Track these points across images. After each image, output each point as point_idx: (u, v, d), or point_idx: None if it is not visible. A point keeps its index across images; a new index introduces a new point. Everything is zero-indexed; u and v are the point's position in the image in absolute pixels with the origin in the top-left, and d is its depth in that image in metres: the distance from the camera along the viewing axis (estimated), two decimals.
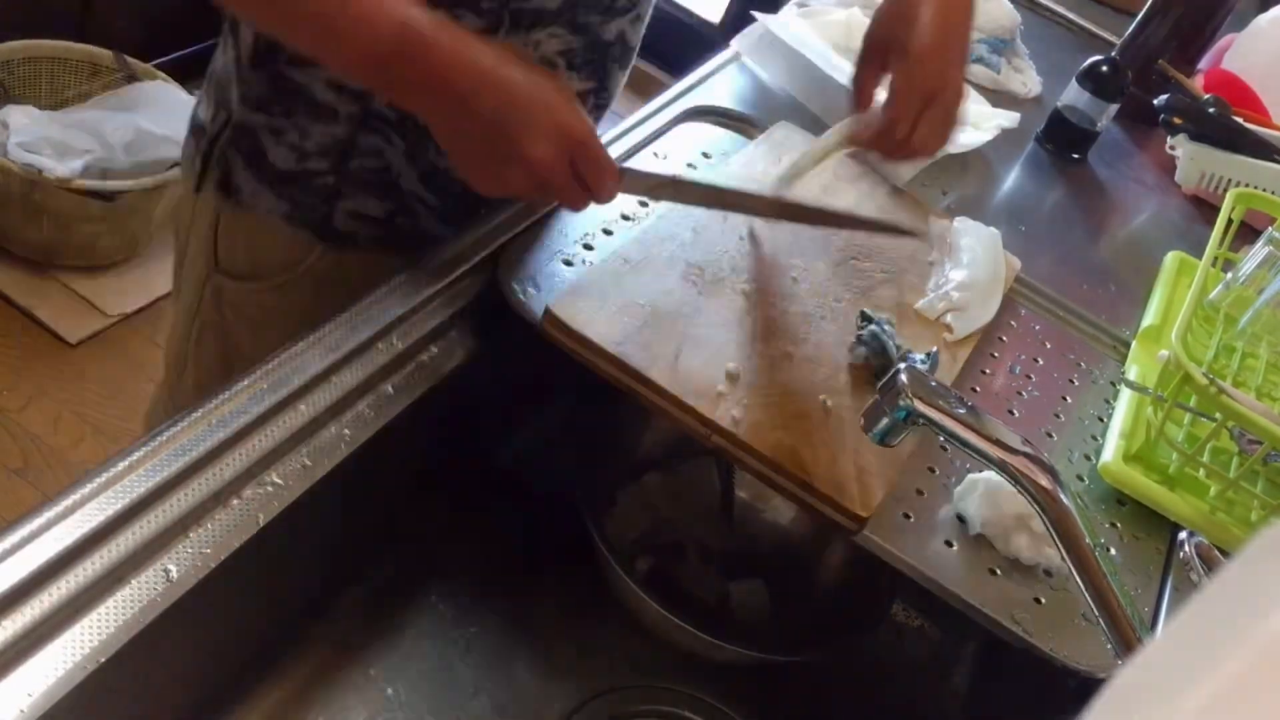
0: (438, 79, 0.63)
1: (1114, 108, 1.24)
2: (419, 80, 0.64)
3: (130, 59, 2.01)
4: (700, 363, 0.74)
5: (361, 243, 0.82)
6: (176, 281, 0.92)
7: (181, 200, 0.88)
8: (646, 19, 0.86)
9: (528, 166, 0.66)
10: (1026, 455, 0.57)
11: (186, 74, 2.14)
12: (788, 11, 1.25)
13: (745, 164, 0.95)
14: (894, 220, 0.88)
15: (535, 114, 0.65)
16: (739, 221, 0.87)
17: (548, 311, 0.73)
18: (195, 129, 0.85)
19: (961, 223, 0.98)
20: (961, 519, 0.74)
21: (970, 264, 0.92)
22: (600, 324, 0.73)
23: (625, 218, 0.87)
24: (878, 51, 0.80)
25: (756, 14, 1.18)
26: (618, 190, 0.72)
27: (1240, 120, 1.25)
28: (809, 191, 0.95)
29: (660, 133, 0.98)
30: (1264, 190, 1.20)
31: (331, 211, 0.81)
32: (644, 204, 0.88)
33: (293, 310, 0.84)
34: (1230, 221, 1.00)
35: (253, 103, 0.79)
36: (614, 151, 0.93)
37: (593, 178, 0.68)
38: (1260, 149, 1.24)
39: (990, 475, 0.73)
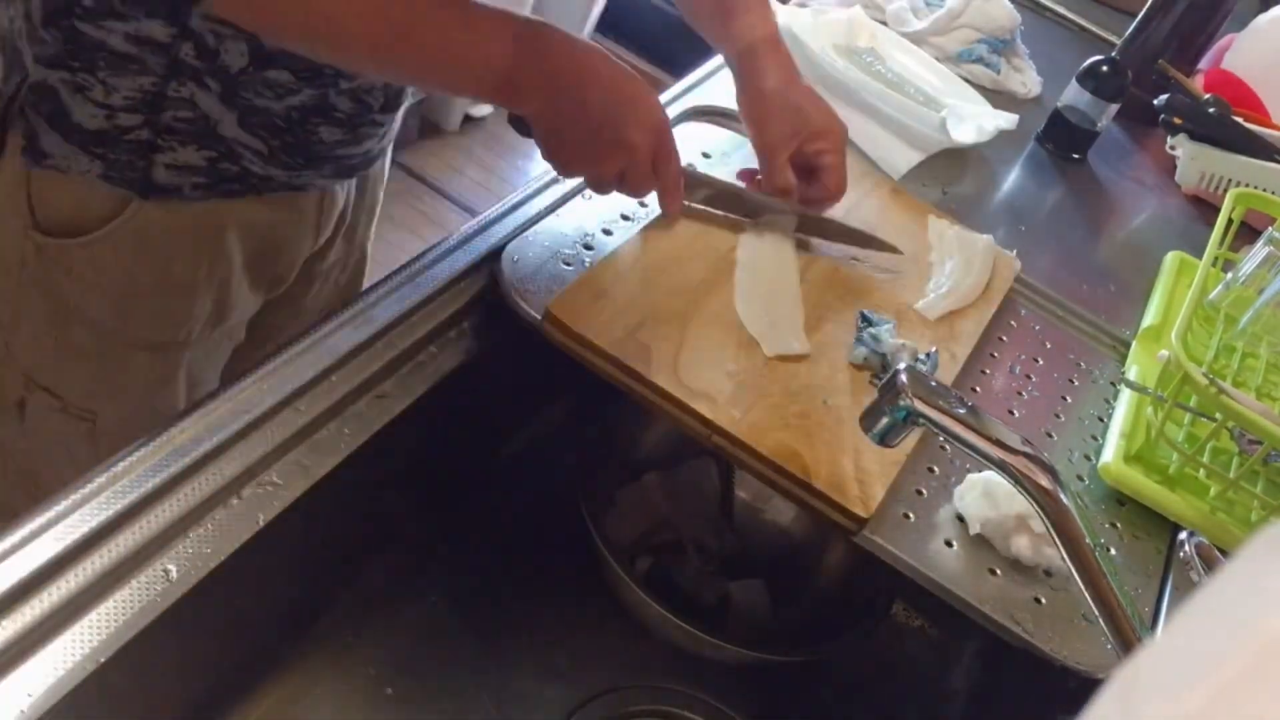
0: (557, 79, 0.71)
1: (1114, 108, 1.24)
2: (539, 83, 0.71)
3: None
4: (700, 363, 0.74)
5: (188, 193, 0.79)
6: None
7: None
8: None
9: (627, 150, 0.74)
10: (1026, 455, 0.57)
11: None
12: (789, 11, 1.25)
13: (745, 163, 0.95)
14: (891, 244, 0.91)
15: (636, 105, 0.74)
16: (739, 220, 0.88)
17: (548, 311, 0.73)
18: None
19: (957, 232, 0.98)
20: (962, 519, 0.74)
21: (952, 272, 0.93)
22: (600, 324, 0.73)
23: (625, 218, 0.87)
24: (782, 144, 0.87)
25: None
26: (678, 181, 0.80)
27: (1240, 120, 1.25)
28: None
29: None
30: (1264, 190, 1.20)
31: (150, 166, 0.77)
32: (643, 204, 0.88)
33: (119, 263, 0.81)
34: (1230, 221, 1.00)
35: (48, 60, 0.74)
36: None
37: (663, 164, 0.77)
38: (1260, 149, 1.24)
39: (990, 475, 0.73)
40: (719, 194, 0.87)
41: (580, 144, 0.74)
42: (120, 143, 0.75)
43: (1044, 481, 0.56)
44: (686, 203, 0.85)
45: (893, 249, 0.91)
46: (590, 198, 0.87)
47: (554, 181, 0.89)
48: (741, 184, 0.90)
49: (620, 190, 0.78)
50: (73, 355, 0.84)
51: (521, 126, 0.77)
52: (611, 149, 0.74)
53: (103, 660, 0.53)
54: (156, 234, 0.80)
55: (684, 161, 0.95)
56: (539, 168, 0.83)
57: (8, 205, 0.81)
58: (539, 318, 0.74)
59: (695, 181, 0.87)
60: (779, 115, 0.87)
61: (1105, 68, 1.23)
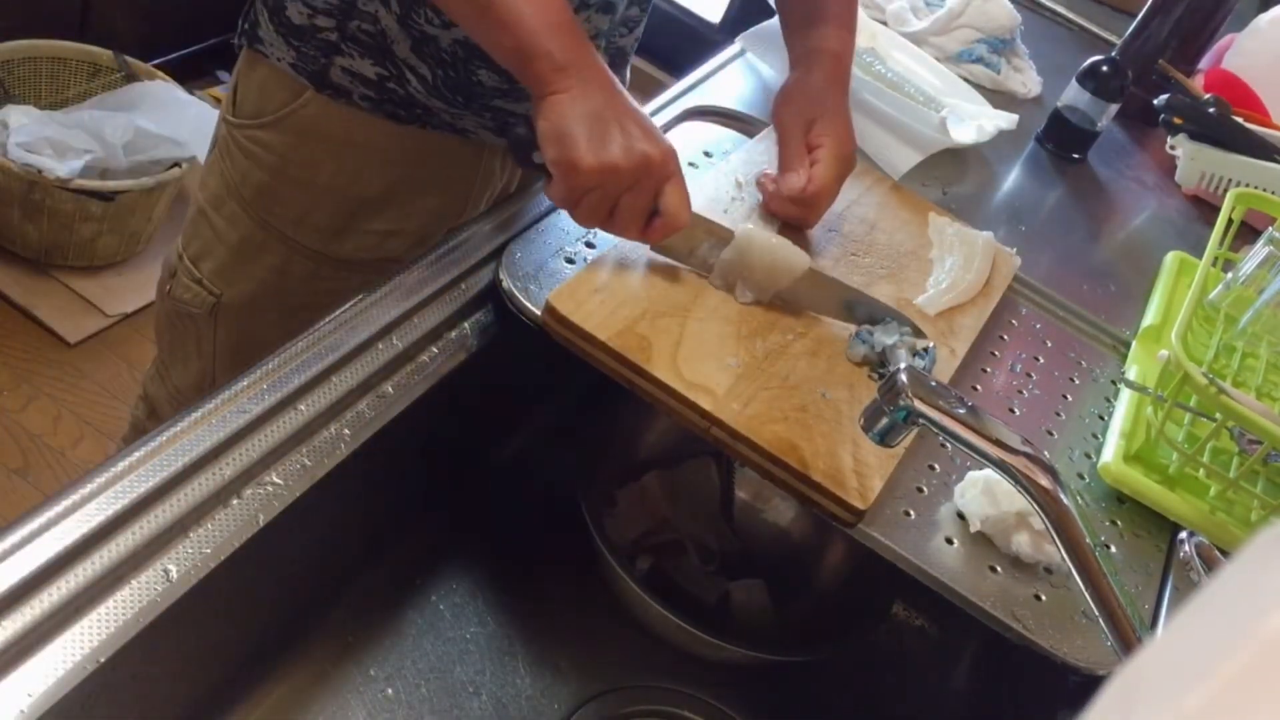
0: (597, 70, 0.74)
1: (1114, 108, 1.24)
2: (580, 62, 0.73)
3: (130, 59, 2.01)
4: (700, 356, 0.74)
5: (356, 100, 0.89)
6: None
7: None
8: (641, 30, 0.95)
9: (640, 161, 0.73)
10: (1026, 455, 0.57)
11: (186, 74, 2.14)
12: None
13: (746, 160, 0.95)
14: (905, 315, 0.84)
15: (660, 135, 0.75)
16: (740, 216, 0.88)
17: (548, 304, 0.73)
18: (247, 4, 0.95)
19: (957, 229, 0.98)
20: (962, 516, 0.74)
21: (952, 268, 0.93)
22: (600, 317, 0.73)
23: None
24: (799, 136, 0.89)
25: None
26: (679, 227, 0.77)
27: (1240, 120, 1.25)
28: None
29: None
30: (1264, 190, 1.20)
31: (330, 65, 0.88)
32: None
33: (279, 149, 0.92)
34: (1230, 221, 1.00)
35: None
36: None
37: (674, 204, 0.75)
38: (1260, 149, 1.23)
39: (991, 473, 0.73)
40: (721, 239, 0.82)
41: (596, 128, 0.72)
42: (313, 39, 0.88)
43: (1044, 481, 0.56)
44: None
45: (904, 319, 0.83)
46: None
47: None
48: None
49: (607, 218, 0.75)
50: (220, 231, 0.97)
51: (521, 151, 0.76)
52: (626, 149, 0.72)
53: (103, 660, 0.53)
54: (316, 133, 0.91)
55: (687, 161, 0.96)
56: None
57: (227, 98, 0.97)
58: (539, 312, 0.74)
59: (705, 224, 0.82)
60: (799, 100, 0.89)
61: (1105, 68, 1.23)
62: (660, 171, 0.74)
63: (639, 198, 0.74)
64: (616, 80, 0.75)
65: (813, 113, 0.89)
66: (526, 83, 0.74)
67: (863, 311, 0.83)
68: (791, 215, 0.88)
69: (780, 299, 0.82)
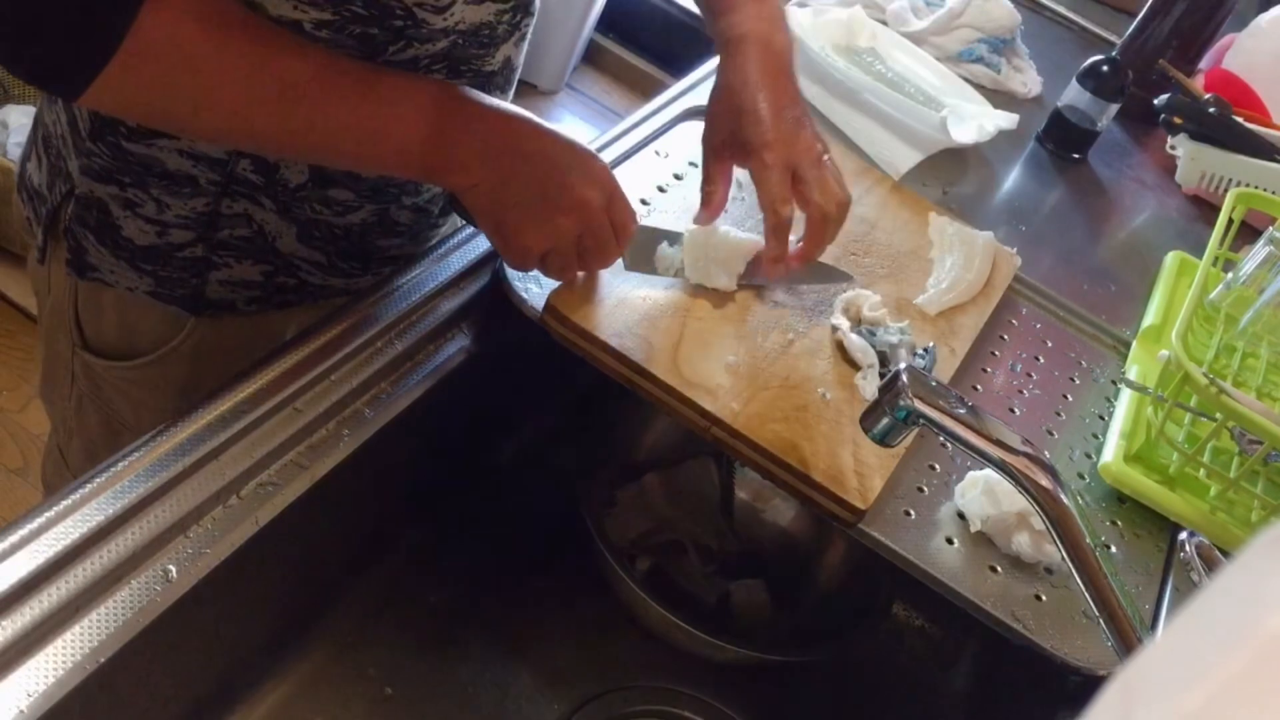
0: (490, 141, 0.65)
1: (1114, 107, 1.24)
2: (472, 149, 0.65)
3: None
4: (700, 355, 0.74)
5: (241, 308, 0.76)
6: (42, 345, 0.84)
7: (31, 263, 0.80)
8: (529, 35, 0.79)
9: (580, 209, 0.67)
10: (1027, 455, 0.57)
11: None
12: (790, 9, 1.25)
13: None
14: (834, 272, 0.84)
15: (582, 161, 0.67)
16: (740, 216, 0.87)
17: (548, 303, 0.73)
18: (31, 193, 0.76)
19: (958, 228, 0.98)
20: (963, 516, 0.74)
21: (952, 268, 0.93)
22: (601, 317, 0.73)
23: None
24: (722, 150, 0.77)
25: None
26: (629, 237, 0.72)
27: (1240, 120, 1.25)
28: None
29: (660, 132, 0.98)
30: (1264, 190, 1.20)
31: (203, 284, 0.74)
32: (644, 202, 0.88)
33: (172, 382, 0.79)
34: (1230, 221, 1.00)
35: (97, 174, 0.70)
36: (615, 151, 0.93)
37: (622, 219, 0.70)
38: (1260, 149, 1.23)
39: (992, 473, 0.73)
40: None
41: (527, 207, 0.66)
42: (172, 259, 0.72)
43: (1044, 481, 0.56)
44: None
45: (844, 276, 0.85)
46: None
47: None
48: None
49: (577, 261, 0.70)
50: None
51: (464, 213, 0.71)
52: (564, 209, 0.67)
53: (103, 660, 0.53)
54: (211, 350, 0.78)
55: (687, 161, 0.96)
56: None
57: (56, 320, 0.79)
58: (540, 312, 0.74)
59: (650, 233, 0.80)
60: (722, 115, 0.76)
61: (1105, 68, 1.23)
62: (602, 198, 0.68)
63: (597, 237, 0.69)
64: (515, 119, 0.66)
65: (735, 130, 0.74)
66: (437, 185, 0.67)
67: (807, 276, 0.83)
68: (772, 260, 0.76)
69: (751, 283, 0.81)
